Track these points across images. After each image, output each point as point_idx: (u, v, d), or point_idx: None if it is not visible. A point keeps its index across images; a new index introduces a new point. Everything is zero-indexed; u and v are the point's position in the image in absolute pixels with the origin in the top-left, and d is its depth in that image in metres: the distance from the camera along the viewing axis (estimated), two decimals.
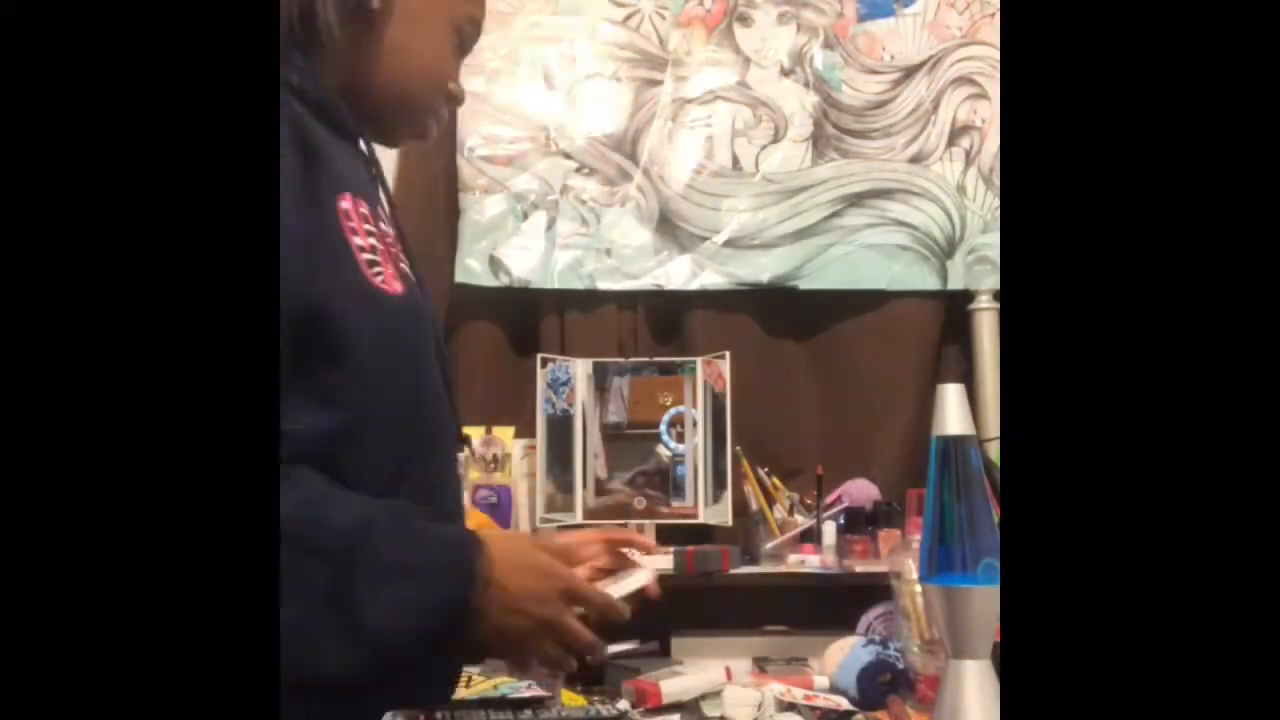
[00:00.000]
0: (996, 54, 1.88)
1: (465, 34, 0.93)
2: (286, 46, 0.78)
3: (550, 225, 1.89)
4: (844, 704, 1.25)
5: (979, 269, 1.90)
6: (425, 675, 0.79)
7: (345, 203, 0.78)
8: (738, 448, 1.76)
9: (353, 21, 0.84)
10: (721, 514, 1.71)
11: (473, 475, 1.73)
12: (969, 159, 1.93)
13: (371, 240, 0.79)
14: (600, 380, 1.79)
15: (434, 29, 0.89)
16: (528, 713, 0.76)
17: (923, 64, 1.95)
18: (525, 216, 1.90)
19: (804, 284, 1.90)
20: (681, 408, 1.75)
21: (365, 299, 0.76)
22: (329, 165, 0.78)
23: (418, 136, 0.94)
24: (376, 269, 0.78)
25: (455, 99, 0.94)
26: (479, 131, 1.90)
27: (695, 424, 1.72)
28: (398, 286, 0.80)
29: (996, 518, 0.91)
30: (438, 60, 0.91)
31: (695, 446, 1.73)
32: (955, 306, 1.93)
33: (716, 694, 1.31)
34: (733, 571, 1.62)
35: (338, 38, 0.83)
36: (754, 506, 1.76)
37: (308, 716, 0.65)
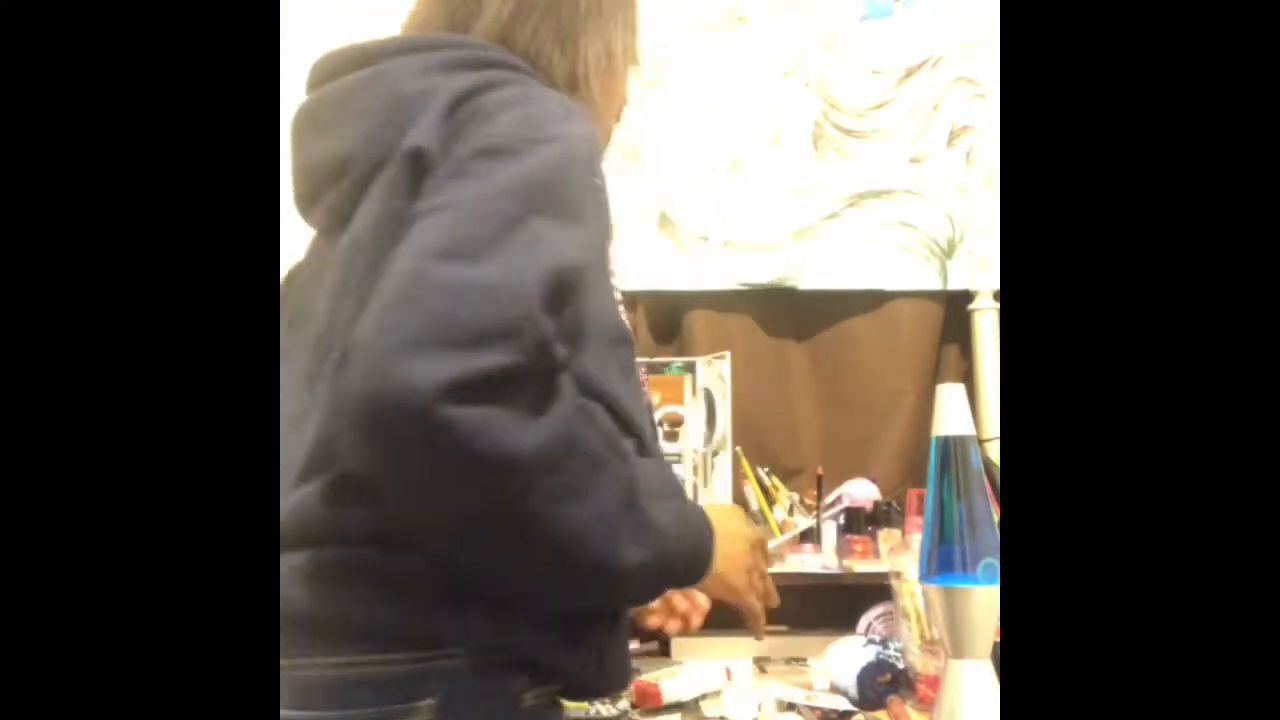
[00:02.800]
0: (996, 54, 1.88)
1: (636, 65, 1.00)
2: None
3: None
4: (844, 704, 1.26)
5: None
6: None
7: None
8: (738, 448, 1.76)
9: (604, 75, 0.92)
10: None
11: None
12: (969, 159, 1.93)
13: None
14: None
15: (628, 68, 0.97)
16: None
17: (923, 64, 1.95)
18: None
19: (804, 284, 1.90)
20: (671, 406, 1.75)
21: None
22: None
23: None
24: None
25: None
26: None
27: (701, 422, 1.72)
28: None
29: (996, 518, 0.91)
30: (626, 93, 0.99)
31: (694, 447, 1.73)
32: (955, 306, 1.93)
33: (716, 694, 1.31)
34: None
35: (595, 89, 0.90)
36: (754, 506, 1.76)
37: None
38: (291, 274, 0.89)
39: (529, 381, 0.64)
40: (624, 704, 1.28)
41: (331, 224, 0.82)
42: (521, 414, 0.63)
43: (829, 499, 1.74)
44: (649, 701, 1.28)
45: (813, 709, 1.24)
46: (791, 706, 1.25)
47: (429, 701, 0.70)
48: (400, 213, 0.71)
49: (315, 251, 0.86)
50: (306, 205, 0.85)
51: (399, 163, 0.74)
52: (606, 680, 0.79)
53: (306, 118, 0.85)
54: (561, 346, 0.66)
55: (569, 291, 0.67)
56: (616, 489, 0.70)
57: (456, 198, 0.68)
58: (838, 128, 1.94)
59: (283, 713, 0.69)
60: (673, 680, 1.32)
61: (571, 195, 0.72)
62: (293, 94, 0.86)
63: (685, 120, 1.93)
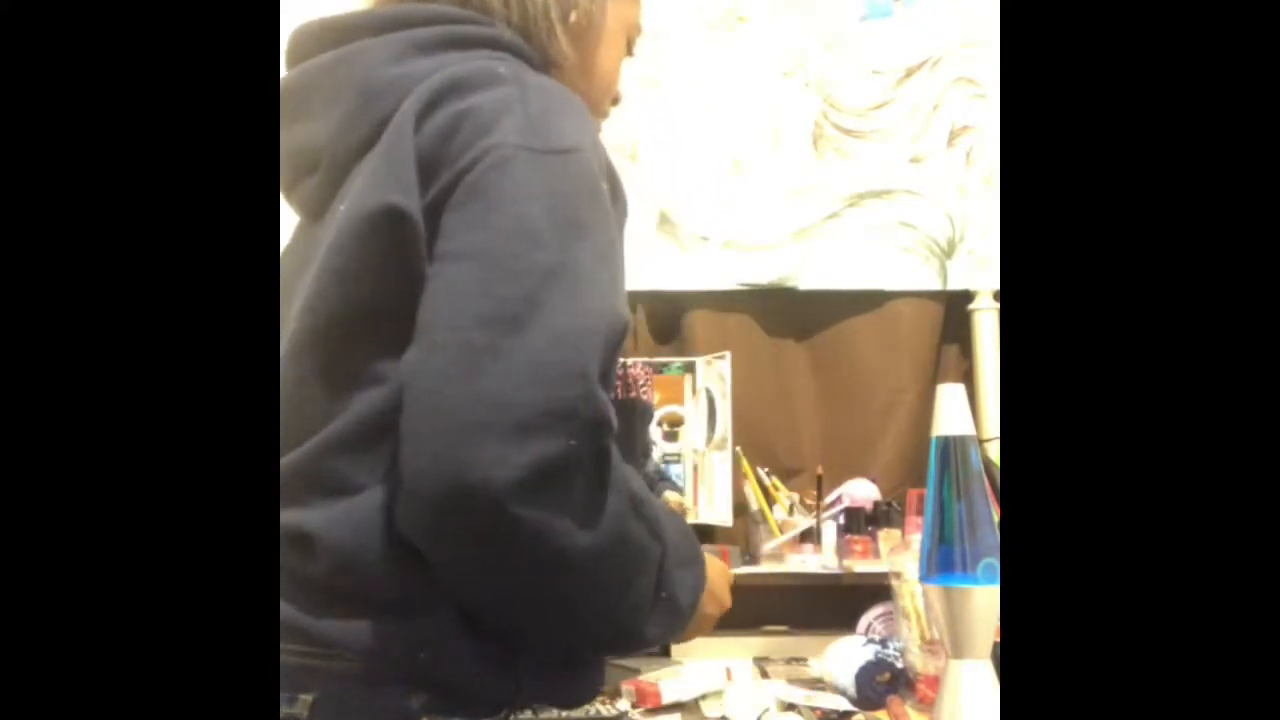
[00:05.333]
0: (996, 54, 1.88)
1: (633, 41, 0.96)
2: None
3: None
4: (844, 704, 1.25)
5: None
6: None
7: None
8: (738, 448, 1.76)
9: (579, 43, 0.86)
10: (721, 514, 1.71)
11: None
12: (969, 159, 1.93)
13: None
14: None
15: (619, 40, 0.92)
16: (527, 714, 0.76)
17: (923, 64, 1.95)
18: None
19: (804, 284, 1.90)
20: (671, 406, 1.75)
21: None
22: None
23: None
24: None
25: (618, 101, 0.97)
26: None
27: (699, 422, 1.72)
28: None
29: (996, 518, 0.91)
30: (618, 70, 0.94)
31: (694, 447, 1.73)
32: (955, 306, 1.93)
33: (716, 694, 1.31)
34: (733, 571, 1.61)
35: (569, 57, 0.85)
36: (754, 506, 1.76)
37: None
38: (283, 254, 0.87)
39: (586, 465, 0.65)
40: (624, 704, 1.28)
41: (307, 212, 0.81)
42: (580, 512, 0.65)
43: (829, 499, 1.74)
44: (649, 701, 1.28)
45: (813, 709, 1.24)
46: (791, 706, 1.25)
47: (307, 697, 0.68)
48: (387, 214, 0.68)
49: (299, 235, 0.85)
50: (287, 190, 0.84)
51: (381, 165, 0.70)
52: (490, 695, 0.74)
53: (285, 99, 0.81)
54: (612, 418, 0.66)
55: (614, 348, 0.67)
56: (652, 575, 0.72)
57: (479, 243, 0.66)
58: (838, 128, 1.94)
59: None
60: (673, 680, 1.32)
61: (598, 218, 0.70)
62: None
63: (685, 120, 1.93)
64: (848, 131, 1.94)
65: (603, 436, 0.65)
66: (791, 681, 1.37)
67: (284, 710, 0.68)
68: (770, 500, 1.76)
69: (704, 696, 1.31)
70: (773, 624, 1.62)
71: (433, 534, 0.65)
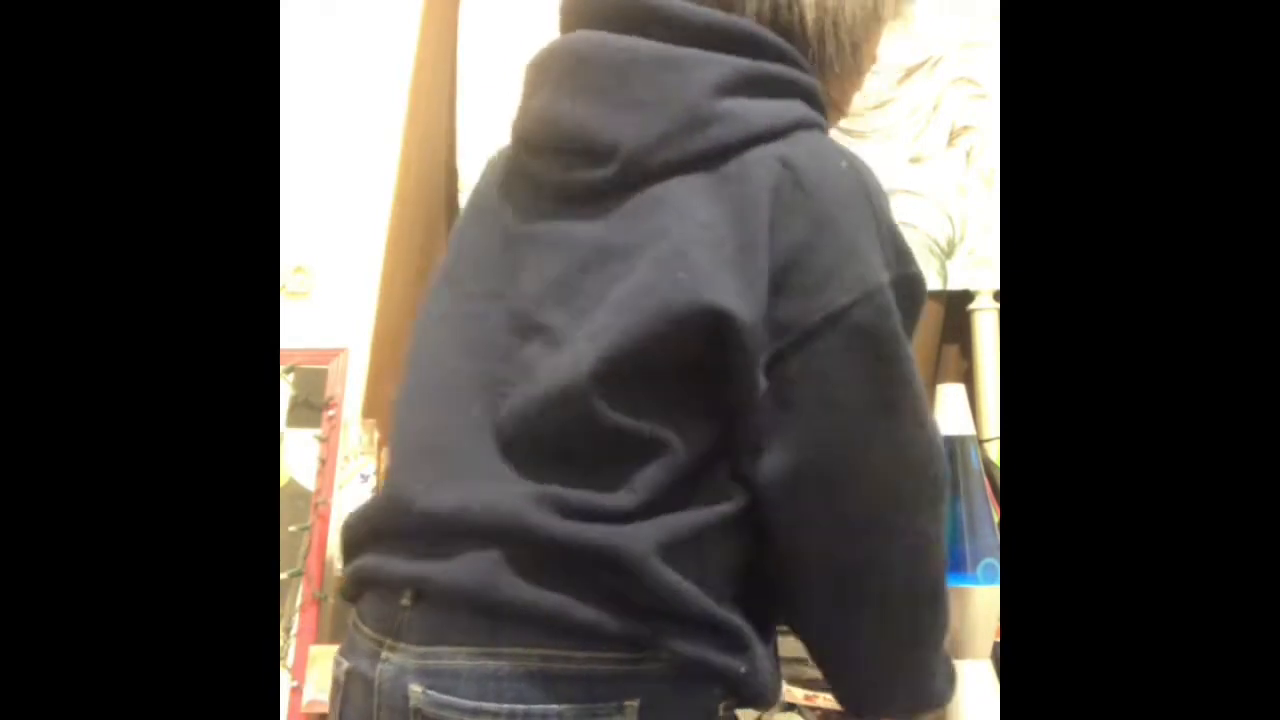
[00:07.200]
0: (996, 54, 1.88)
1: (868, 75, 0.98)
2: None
3: None
4: None
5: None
6: None
7: None
8: None
9: (849, 86, 0.92)
10: None
11: None
12: (969, 159, 1.93)
13: None
14: None
15: (864, 79, 0.96)
16: None
17: (923, 64, 1.95)
18: None
19: None
20: None
21: None
22: None
23: None
24: None
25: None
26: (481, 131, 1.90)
27: None
28: None
29: (996, 518, 0.91)
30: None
31: None
32: (955, 306, 1.93)
33: None
34: None
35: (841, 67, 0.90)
36: None
37: None
38: (475, 209, 0.86)
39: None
40: None
41: (568, 193, 0.78)
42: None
43: None
44: None
45: (813, 709, 1.24)
46: (791, 706, 1.25)
47: (634, 702, 0.71)
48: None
49: (531, 195, 0.81)
50: (534, 149, 0.82)
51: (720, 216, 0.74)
52: (771, 694, 0.81)
53: (571, 64, 0.80)
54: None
55: None
56: (942, 648, 0.81)
57: (819, 400, 0.78)
58: (838, 128, 1.93)
59: (482, 704, 0.70)
60: None
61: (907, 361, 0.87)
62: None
63: None
64: (847, 132, 1.93)
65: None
66: (791, 681, 1.37)
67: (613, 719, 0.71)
68: None
69: None
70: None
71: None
